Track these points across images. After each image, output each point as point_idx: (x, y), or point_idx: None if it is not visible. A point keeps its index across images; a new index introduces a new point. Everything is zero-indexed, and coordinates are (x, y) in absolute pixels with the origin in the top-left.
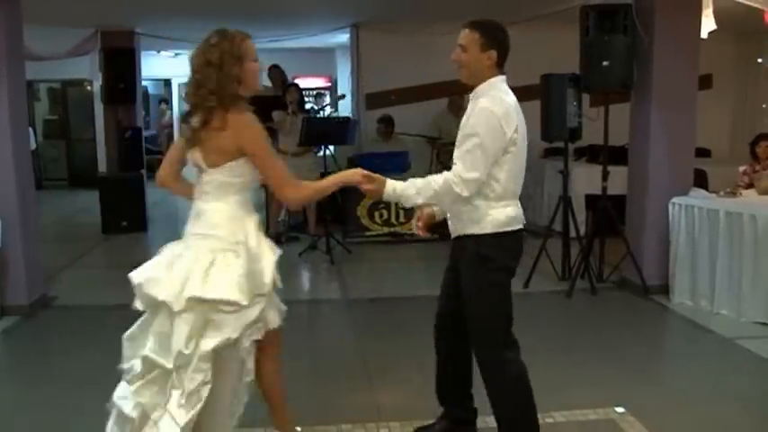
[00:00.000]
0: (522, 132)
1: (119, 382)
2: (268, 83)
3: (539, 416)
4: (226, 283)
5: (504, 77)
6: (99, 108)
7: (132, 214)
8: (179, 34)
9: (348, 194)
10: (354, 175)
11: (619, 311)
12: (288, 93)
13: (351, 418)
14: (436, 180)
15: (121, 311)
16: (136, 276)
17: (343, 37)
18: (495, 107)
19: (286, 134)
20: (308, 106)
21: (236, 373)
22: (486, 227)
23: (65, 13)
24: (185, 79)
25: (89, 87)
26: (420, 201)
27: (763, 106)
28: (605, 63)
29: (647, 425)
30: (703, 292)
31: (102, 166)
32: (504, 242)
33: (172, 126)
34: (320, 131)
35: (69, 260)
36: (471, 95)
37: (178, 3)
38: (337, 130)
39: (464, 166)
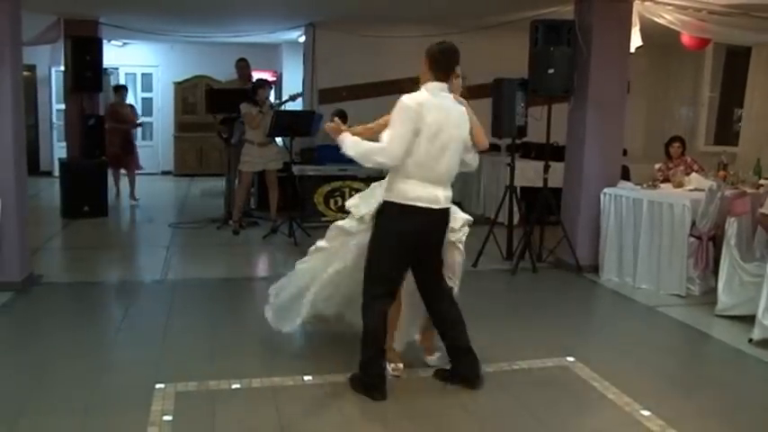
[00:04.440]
0: (433, 125)
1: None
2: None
3: (504, 365)
4: None
5: (436, 83)
6: (43, 95)
7: (94, 200)
8: (141, 26)
9: (305, 183)
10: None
11: (557, 286)
12: (261, 89)
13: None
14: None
15: (105, 287)
16: None
17: (292, 33)
18: (408, 99)
19: (254, 127)
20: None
21: None
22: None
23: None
24: (132, 69)
25: (28, 73)
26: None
27: (680, 112)
28: (550, 71)
29: (593, 368)
30: (628, 269)
31: (44, 153)
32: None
33: None
34: (288, 124)
35: (40, 242)
36: None
37: None
38: (303, 123)
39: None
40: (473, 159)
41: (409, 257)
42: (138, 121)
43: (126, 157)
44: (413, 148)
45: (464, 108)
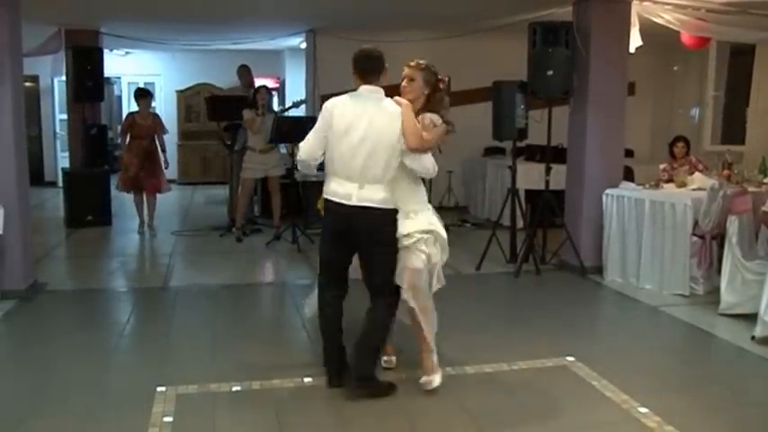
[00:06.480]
0: (342, 125)
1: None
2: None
3: (504, 365)
4: None
5: (363, 86)
6: (46, 105)
7: (97, 208)
8: (142, 35)
9: (309, 190)
10: None
11: (561, 287)
12: (259, 94)
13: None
14: None
15: (109, 294)
16: None
17: (294, 40)
18: (327, 102)
19: (255, 132)
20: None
21: None
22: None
23: (29, 10)
24: (134, 78)
25: (31, 84)
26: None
27: (680, 111)
28: (549, 72)
29: (593, 368)
30: (632, 270)
31: (48, 163)
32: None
33: None
34: (289, 130)
35: (45, 251)
36: None
37: (140, 6)
38: (305, 128)
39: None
40: (416, 163)
41: (336, 249)
42: (165, 133)
43: (148, 179)
44: (329, 146)
45: (398, 109)
